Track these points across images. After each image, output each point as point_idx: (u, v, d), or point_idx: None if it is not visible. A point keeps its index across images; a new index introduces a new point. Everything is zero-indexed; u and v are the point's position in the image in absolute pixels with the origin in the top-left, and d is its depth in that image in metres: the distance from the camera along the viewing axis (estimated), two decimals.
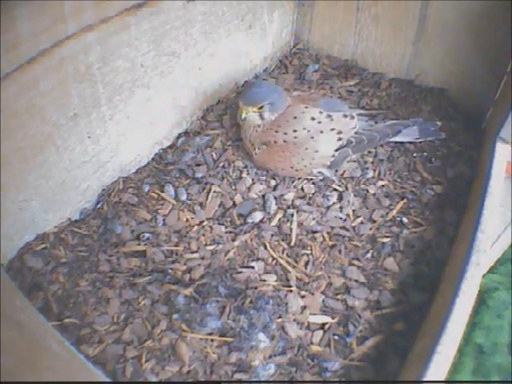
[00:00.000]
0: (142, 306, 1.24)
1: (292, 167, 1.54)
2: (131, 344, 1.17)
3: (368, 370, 1.16)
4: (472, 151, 1.69)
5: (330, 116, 1.51)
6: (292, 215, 1.48)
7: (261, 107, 1.51)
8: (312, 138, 1.50)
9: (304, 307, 1.27)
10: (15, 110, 1.16)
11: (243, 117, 1.54)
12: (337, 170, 1.60)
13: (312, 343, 1.21)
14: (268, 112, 1.52)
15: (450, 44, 1.83)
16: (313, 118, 1.50)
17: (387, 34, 1.95)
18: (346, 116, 1.54)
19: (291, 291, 1.29)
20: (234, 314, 1.22)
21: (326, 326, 1.24)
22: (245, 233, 1.43)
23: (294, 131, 1.50)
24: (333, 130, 1.51)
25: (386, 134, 1.59)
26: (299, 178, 1.59)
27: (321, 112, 1.51)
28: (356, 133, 1.55)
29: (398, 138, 1.64)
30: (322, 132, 1.51)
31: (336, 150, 1.53)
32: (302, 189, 1.57)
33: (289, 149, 1.52)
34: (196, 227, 1.44)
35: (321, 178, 1.58)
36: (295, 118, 1.51)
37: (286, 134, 1.51)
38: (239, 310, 1.22)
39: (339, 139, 1.53)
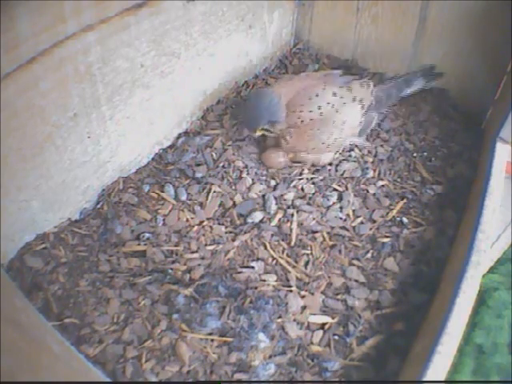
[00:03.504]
0: (141, 305, 1.24)
1: (323, 143, 1.56)
2: (131, 344, 1.17)
3: (368, 370, 1.16)
4: (472, 151, 1.69)
5: (349, 88, 1.56)
6: (292, 215, 1.48)
7: (262, 128, 1.56)
8: (337, 111, 1.54)
9: (304, 307, 1.27)
10: (15, 109, 1.16)
11: (256, 136, 1.62)
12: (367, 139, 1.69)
13: (312, 343, 1.21)
14: (272, 127, 1.56)
15: (450, 44, 1.83)
16: (334, 93, 1.54)
17: (387, 34, 1.95)
18: (362, 85, 1.59)
19: (291, 291, 1.29)
20: (234, 313, 1.22)
21: (326, 326, 1.24)
22: (245, 233, 1.43)
23: (319, 108, 1.52)
24: (354, 99, 1.56)
25: (401, 88, 1.67)
26: (300, 179, 1.59)
27: (341, 86, 1.56)
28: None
29: (409, 91, 1.72)
30: (345, 104, 1.54)
31: (361, 117, 1.59)
32: (302, 189, 1.57)
33: (316, 125, 1.54)
34: (196, 227, 1.44)
35: (351, 145, 1.65)
36: (317, 95, 1.53)
37: (311, 111, 1.53)
38: (239, 310, 1.22)
39: (362, 107, 1.57)
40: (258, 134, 1.59)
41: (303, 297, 1.29)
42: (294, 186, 1.58)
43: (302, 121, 1.53)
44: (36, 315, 1.00)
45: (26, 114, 1.19)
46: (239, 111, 1.77)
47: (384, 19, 1.92)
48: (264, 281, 1.31)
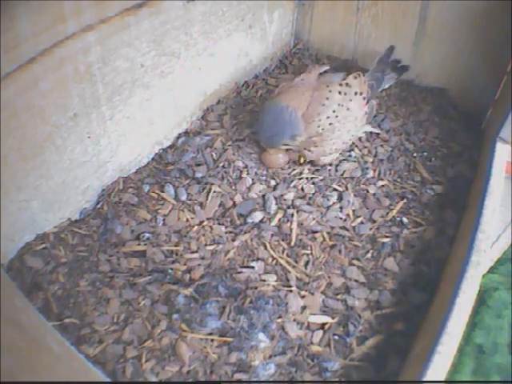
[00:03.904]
0: (141, 305, 1.24)
1: (344, 142, 1.61)
2: (131, 344, 1.17)
3: (368, 370, 1.16)
4: (472, 151, 1.69)
5: (347, 84, 1.57)
6: (292, 215, 1.48)
7: (283, 144, 1.56)
8: (348, 109, 1.55)
9: (304, 307, 1.27)
10: (15, 109, 1.16)
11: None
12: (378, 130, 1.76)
13: (312, 343, 1.21)
14: (292, 141, 1.55)
15: (450, 44, 1.83)
16: (340, 93, 1.55)
17: (387, 34, 1.95)
18: (355, 77, 1.60)
19: (291, 291, 1.29)
20: (234, 314, 1.22)
21: (326, 326, 1.24)
22: (245, 233, 1.43)
23: (334, 111, 1.54)
24: (356, 93, 1.57)
25: (383, 70, 1.72)
26: (300, 179, 1.60)
27: (340, 84, 1.57)
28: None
29: (386, 84, 1.78)
30: (351, 100, 1.56)
31: (366, 107, 1.62)
32: (302, 189, 1.57)
33: (336, 128, 1.55)
34: (196, 227, 1.44)
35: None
36: (327, 98, 1.54)
37: (328, 117, 1.53)
38: (239, 310, 1.22)
39: (363, 98, 1.59)
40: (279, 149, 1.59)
41: (303, 297, 1.29)
42: (294, 186, 1.58)
43: (322, 128, 1.54)
44: (36, 315, 1.00)
45: (26, 114, 1.19)
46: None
47: (384, 19, 1.93)
48: (264, 281, 1.31)
